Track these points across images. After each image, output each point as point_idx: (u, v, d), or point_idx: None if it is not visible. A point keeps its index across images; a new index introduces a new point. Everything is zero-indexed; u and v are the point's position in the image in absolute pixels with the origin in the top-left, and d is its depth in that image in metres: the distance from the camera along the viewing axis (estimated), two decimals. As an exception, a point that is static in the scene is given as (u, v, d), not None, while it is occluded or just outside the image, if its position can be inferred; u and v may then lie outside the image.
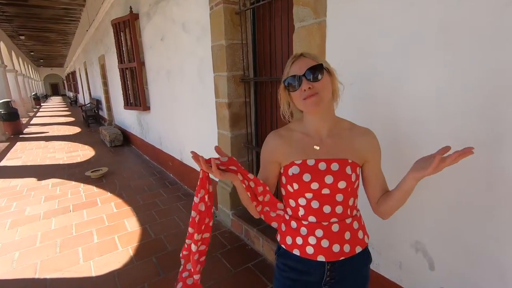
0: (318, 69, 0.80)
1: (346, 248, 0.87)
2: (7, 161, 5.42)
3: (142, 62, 4.46)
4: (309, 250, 0.86)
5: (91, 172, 4.28)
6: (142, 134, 5.35)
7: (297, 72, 0.81)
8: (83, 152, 5.93)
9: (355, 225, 0.90)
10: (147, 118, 4.84)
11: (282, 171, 0.92)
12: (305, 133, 0.89)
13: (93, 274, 2.07)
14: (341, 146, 0.87)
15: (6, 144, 7.03)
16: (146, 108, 4.62)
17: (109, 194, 3.60)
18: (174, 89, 3.53)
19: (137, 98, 4.78)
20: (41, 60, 26.28)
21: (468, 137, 1.05)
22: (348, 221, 0.88)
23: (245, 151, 2.54)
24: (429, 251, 1.25)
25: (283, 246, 0.93)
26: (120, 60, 5.02)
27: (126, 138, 6.55)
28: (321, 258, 0.86)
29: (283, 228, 0.93)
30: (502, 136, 0.97)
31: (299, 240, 0.88)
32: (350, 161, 0.85)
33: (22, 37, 12.80)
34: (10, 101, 8.56)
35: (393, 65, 1.23)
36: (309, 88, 0.79)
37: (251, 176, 0.81)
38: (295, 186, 0.86)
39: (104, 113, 9.23)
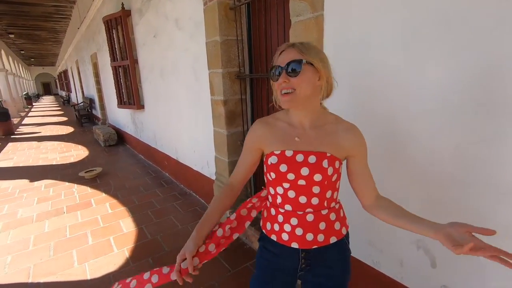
0: (298, 64, 0.79)
1: (320, 237, 0.89)
2: (-2, 163, 5.31)
3: (135, 60, 4.38)
4: (284, 236, 0.91)
5: (85, 172, 4.21)
6: (136, 133, 5.28)
7: (280, 63, 0.81)
8: (76, 152, 5.84)
9: (332, 216, 0.91)
10: (142, 116, 4.78)
11: (264, 159, 0.93)
12: (289, 123, 0.91)
13: (88, 277, 2.03)
14: (323, 139, 0.87)
15: (-3, 145, 6.91)
16: (140, 106, 4.55)
17: (103, 194, 3.54)
18: (168, 87, 3.47)
19: (130, 96, 4.71)
20: (32, 59, 25.84)
21: (466, 131, 1.03)
22: (324, 212, 0.89)
23: (241, 149, 2.50)
24: (430, 248, 1.23)
25: (263, 230, 0.99)
26: (113, 58, 4.93)
27: (120, 138, 6.47)
28: (294, 245, 0.90)
29: (265, 214, 0.99)
30: (501, 131, 0.95)
31: (276, 227, 0.93)
32: (328, 154, 0.85)
33: (12, 36, 12.52)
34: (0, 101, 8.42)
35: (392, 59, 1.20)
36: (285, 82, 0.80)
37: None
38: (273, 175, 0.88)
39: (97, 112, 9.10)
